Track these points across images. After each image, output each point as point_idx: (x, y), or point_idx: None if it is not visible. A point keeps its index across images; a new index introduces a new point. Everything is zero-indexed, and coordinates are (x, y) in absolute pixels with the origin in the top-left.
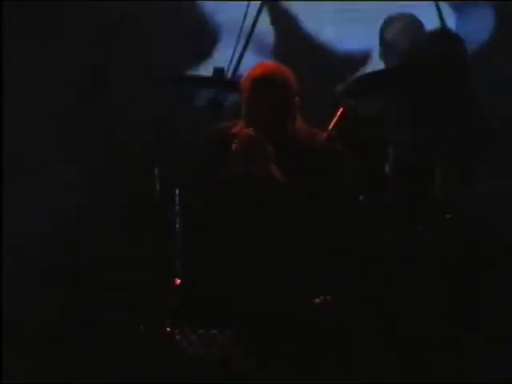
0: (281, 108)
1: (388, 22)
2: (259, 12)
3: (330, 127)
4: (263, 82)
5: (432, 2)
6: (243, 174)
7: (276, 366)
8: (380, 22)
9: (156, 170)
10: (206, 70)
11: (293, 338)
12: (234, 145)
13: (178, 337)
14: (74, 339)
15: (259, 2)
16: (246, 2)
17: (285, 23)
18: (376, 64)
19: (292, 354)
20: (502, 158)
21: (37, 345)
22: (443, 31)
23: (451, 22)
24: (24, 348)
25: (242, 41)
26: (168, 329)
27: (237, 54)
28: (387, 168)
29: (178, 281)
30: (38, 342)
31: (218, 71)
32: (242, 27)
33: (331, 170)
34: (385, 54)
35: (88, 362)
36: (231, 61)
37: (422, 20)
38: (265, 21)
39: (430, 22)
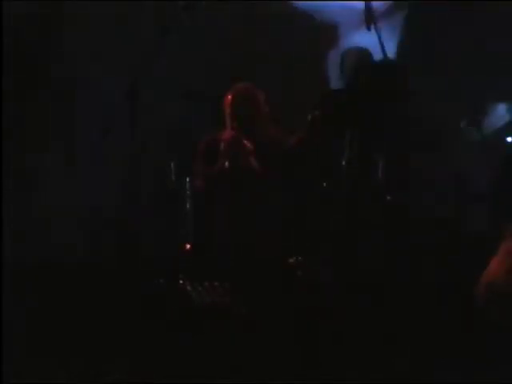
0: (252, 116)
1: (346, 53)
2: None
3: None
4: (237, 99)
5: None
6: (230, 165)
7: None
8: None
9: (172, 165)
10: None
11: (275, 290)
12: (223, 145)
13: (188, 288)
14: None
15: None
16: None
17: None
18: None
19: (275, 301)
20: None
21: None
22: (386, 61)
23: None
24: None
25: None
26: (181, 281)
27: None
28: (343, 162)
29: (188, 245)
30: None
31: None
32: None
33: (295, 161)
34: (343, 77)
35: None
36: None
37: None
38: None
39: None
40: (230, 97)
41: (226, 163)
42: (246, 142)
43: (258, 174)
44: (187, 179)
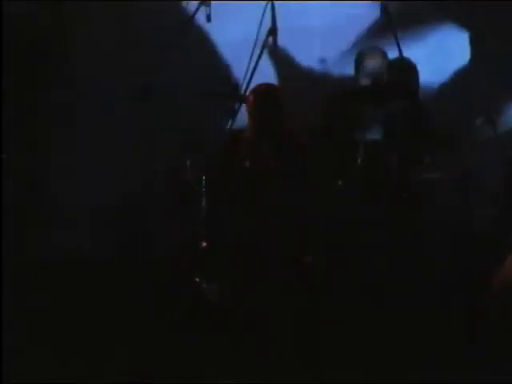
0: (273, 116)
1: (361, 53)
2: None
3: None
4: (261, 99)
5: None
6: (250, 164)
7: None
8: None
9: (188, 162)
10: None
11: (286, 287)
12: (244, 144)
13: (204, 285)
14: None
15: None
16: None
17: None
18: None
19: (285, 298)
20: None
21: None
22: (399, 60)
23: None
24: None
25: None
26: (197, 279)
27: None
28: (358, 160)
29: (204, 244)
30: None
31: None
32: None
33: (309, 159)
34: (358, 76)
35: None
36: (244, 78)
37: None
38: None
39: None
40: (252, 97)
41: (247, 163)
42: (267, 142)
43: (278, 174)
44: (203, 177)
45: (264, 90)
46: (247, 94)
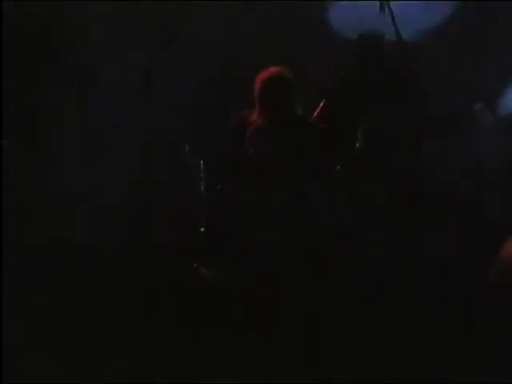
0: (282, 100)
1: (361, 36)
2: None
3: (315, 115)
4: (269, 83)
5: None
6: (256, 151)
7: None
8: None
9: (186, 147)
10: None
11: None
12: (249, 131)
13: (203, 271)
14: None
15: None
16: None
17: None
18: None
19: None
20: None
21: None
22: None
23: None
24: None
25: None
26: (196, 265)
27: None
28: (357, 144)
29: (202, 229)
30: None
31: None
32: None
33: (317, 143)
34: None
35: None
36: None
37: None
38: None
39: None
40: (260, 82)
41: (251, 151)
42: (274, 129)
43: (283, 161)
44: (201, 162)
45: (272, 73)
46: (256, 79)
